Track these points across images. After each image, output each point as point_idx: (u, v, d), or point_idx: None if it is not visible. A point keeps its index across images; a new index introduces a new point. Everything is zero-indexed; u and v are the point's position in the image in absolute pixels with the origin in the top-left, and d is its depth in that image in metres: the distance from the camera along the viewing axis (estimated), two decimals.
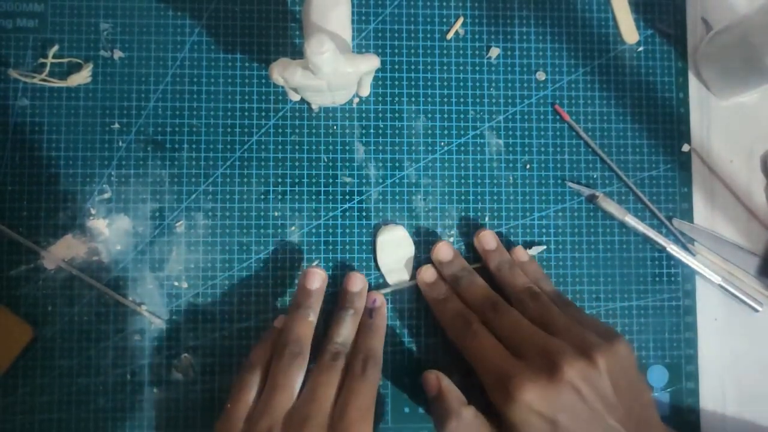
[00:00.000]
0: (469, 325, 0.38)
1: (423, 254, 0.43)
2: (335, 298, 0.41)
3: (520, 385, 0.34)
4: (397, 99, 0.44)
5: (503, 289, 0.41)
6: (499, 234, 0.43)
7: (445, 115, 0.44)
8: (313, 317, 0.39)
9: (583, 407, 0.34)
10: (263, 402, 0.35)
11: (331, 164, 0.43)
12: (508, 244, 0.43)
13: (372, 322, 0.40)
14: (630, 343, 0.36)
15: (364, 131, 0.43)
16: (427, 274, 0.42)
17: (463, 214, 0.43)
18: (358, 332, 0.40)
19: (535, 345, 0.36)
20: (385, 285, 0.42)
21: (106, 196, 0.42)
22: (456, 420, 0.36)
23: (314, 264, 0.42)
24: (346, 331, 0.39)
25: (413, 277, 0.43)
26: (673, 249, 0.43)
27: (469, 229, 0.43)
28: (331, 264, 0.43)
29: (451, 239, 0.43)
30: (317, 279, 0.40)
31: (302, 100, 0.43)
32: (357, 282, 0.41)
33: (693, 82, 0.45)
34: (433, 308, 0.41)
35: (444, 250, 0.42)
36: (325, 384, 0.36)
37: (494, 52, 0.44)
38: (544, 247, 0.43)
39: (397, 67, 0.44)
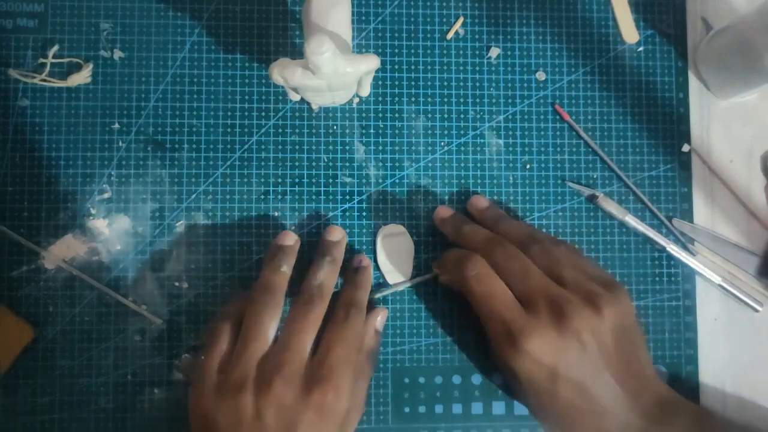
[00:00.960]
0: (477, 267, 0.37)
1: (423, 254, 0.43)
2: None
3: (527, 335, 0.34)
4: (397, 99, 0.44)
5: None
6: None
7: (445, 115, 0.44)
8: (286, 268, 0.38)
9: (584, 359, 0.35)
10: (237, 351, 0.35)
11: (331, 164, 0.43)
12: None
13: (357, 277, 0.40)
14: (626, 291, 0.37)
15: (364, 131, 0.43)
16: (443, 209, 0.42)
17: (463, 213, 0.43)
18: (342, 286, 0.40)
19: (543, 295, 0.36)
20: (386, 285, 0.42)
21: (106, 196, 0.42)
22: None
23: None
24: (322, 275, 0.38)
25: (413, 276, 0.43)
26: (673, 249, 0.43)
27: None
28: None
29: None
30: (290, 237, 0.40)
31: (302, 100, 0.43)
32: (336, 233, 0.41)
33: (693, 82, 0.45)
34: (456, 238, 0.41)
35: (443, 211, 0.42)
36: (299, 330, 0.35)
37: (494, 52, 0.44)
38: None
39: (397, 67, 0.44)
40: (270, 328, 0.35)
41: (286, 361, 0.34)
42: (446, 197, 0.43)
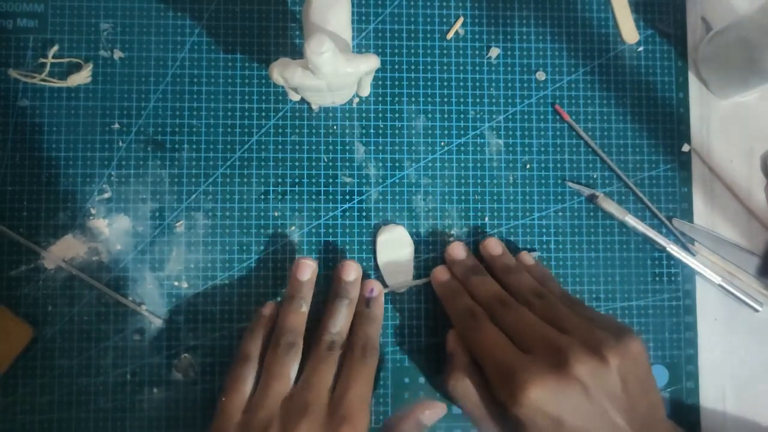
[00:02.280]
0: (476, 318, 0.38)
1: (423, 254, 0.43)
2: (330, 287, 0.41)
3: (526, 380, 0.33)
4: (397, 99, 0.44)
5: (511, 293, 0.40)
6: (500, 234, 0.43)
7: (445, 115, 0.44)
8: (305, 307, 0.39)
9: (590, 406, 0.33)
10: (260, 392, 0.36)
11: (331, 164, 0.43)
12: (509, 246, 0.43)
13: (369, 312, 0.40)
14: (640, 338, 0.36)
15: (364, 131, 0.43)
16: (441, 273, 0.42)
17: (463, 214, 0.43)
18: (354, 321, 0.40)
19: (542, 340, 0.35)
20: (385, 285, 0.42)
21: (106, 196, 0.42)
22: (457, 380, 0.37)
23: (304, 255, 0.42)
24: (341, 321, 0.39)
25: (414, 277, 0.43)
26: (673, 249, 0.43)
27: (469, 229, 0.43)
28: (331, 264, 0.42)
29: (451, 239, 0.43)
30: (308, 270, 0.40)
31: (302, 100, 0.43)
32: (351, 271, 0.41)
33: (693, 82, 0.45)
34: (445, 304, 0.41)
35: (457, 250, 0.42)
36: (322, 372, 0.36)
37: (494, 52, 0.44)
38: (538, 252, 0.43)
39: (397, 67, 0.44)
40: (292, 370, 0.37)
41: (310, 402, 0.35)
42: (447, 198, 0.43)
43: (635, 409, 0.34)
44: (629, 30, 0.45)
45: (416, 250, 0.43)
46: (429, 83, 0.44)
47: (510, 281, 0.40)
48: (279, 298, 0.42)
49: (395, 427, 0.38)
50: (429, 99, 0.44)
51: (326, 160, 0.43)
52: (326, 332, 0.38)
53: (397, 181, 0.43)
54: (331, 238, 0.42)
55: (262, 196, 0.43)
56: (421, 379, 0.42)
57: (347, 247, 0.43)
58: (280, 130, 0.43)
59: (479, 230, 0.43)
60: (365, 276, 0.42)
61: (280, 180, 0.43)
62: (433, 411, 0.38)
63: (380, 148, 0.43)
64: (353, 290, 0.40)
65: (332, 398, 0.36)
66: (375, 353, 0.38)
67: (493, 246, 0.42)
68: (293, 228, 0.43)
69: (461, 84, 0.44)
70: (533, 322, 0.36)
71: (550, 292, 0.39)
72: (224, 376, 0.38)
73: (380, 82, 0.44)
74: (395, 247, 0.42)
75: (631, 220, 0.43)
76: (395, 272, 0.42)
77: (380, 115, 0.43)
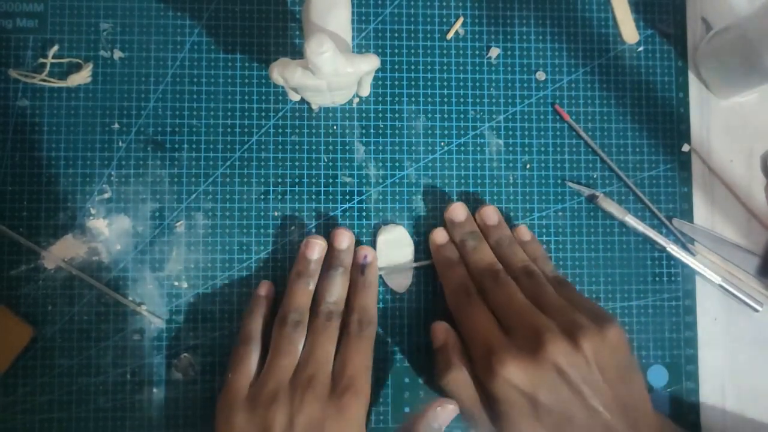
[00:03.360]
0: (469, 296, 0.39)
1: (423, 254, 0.43)
2: None
3: (502, 360, 0.35)
4: (397, 99, 0.44)
5: (502, 264, 0.40)
6: None
7: (445, 115, 0.44)
8: (312, 285, 0.40)
9: (565, 388, 0.34)
10: (268, 367, 0.37)
11: (331, 164, 0.43)
12: (511, 224, 0.43)
13: (364, 279, 0.41)
14: (623, 328, 0.36)
15: (364, 131, 0.43)
16: (439, 236, 0.42)
17: None
18: (350, 290, 0.40)
19: (523, 321, 0.36)
20: (385, 285, 0.42)
21: (106, 196, 0.42)
22: (453, 372, 0.37)
23: (314, 233, 0.42)
24: (337, 290, 0.40)
25: (414, 277, 0.43)
26: (673, 249, 0.43)
27: None
28: None
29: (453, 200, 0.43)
30: (317, 249, 0.40)
31: (302, 100, 0.43)
32: (344, 239, 0.41)
33: (693, 82, 0.45)
34: (439, 272, 0.41)
35: (458, 211, 0.42)
36: (323, 344, 0.38)
37: (494, 52, 0.44)
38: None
39: (397, 67, 0.44)
40: (300, 347, 0.38)
41: (314, 375, 0.36)
42: (447, 198, 0.43)
43: (616, 397, 0.35)
44: (629, 30, 0.45)
45: (416, 250, 0.43)
46: (429, 83, 0.44)
47: (502, 254, 0.41)
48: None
49: (411, 429, 0.38)
50: (429, 99, 0.44)
51: (326, 160, 0.43)
52: (323, 302, 0.39)
53: (397, 181, 0.43)
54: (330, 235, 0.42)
55: (262, 196, 0.43)
56: (421, 379, 0.42)
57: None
58: (280, 130, 0.43)
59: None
60: (355, 237, 0.42)
61: (280, 180, 0.43)
62: (445, 408, 0.38)
63: (380, 148, 0.43)
64: (347, 258, 0.41)
65: (334, 370, 0.37)
66: (372, 324, 0.39)
67: (490, 215, 0.42)
68: (293, 228, 0.43)
69: (461, 84, 0.44)
70: (519, 303, 0.37)
71: (541, 271, 0.40)
72: (228, 357, 0.39)
73: (380, 82, 0.44)
74: (395, 247, 0.42)
75: (631, 220, 0.43)
76: (395, 272, 0.42)
77: (380, 115, 0.43)
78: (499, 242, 0.41)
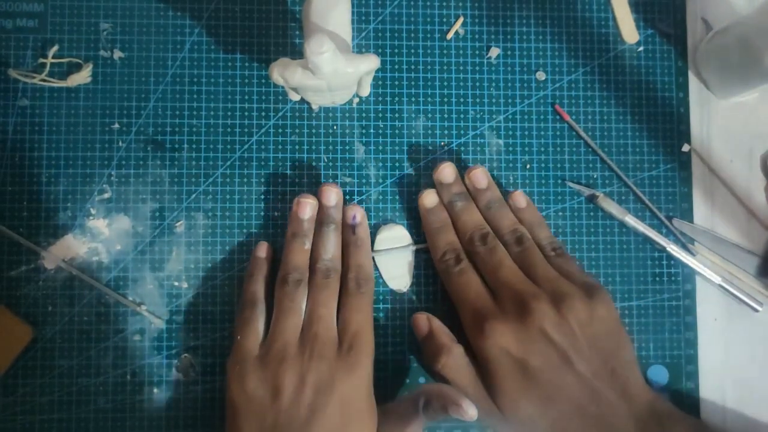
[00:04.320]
0: (458, 261, 0.39)
1: (423, 254, 0.43)
2: None
3: (493, 325, 0.36)
4: (397, 99, 0.44)
5: (492, 228, 0.41)
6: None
7: (445, 115, 0.44)
8: (308, 244, 0.40)
9: (553, 353, 0.36)
10: (274, 327, 0.38)
11: (331, 164, 0.43)
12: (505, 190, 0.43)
13: (356, 238, 0.41)
14: (611, 299, 0.38)
15: (364, 131, 0.43)
16: (428, 198, 0.42)
17: None
18: (344, 250, 0.41)
19: (511, 288, 0.37)
20: (385, 285, 0.42)
21: (106, 196, 0.42)
22: (447, 355, 0.37)
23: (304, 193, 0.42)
24: (331, 247, 0.40)
25: (414, 277, 0.43)
26: (673, 249, 0.43)
27: None
28: None
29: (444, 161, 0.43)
30: (309, 208, 0.41)
31: (302, 100, 0.43)
32: (332, 195, 0.41)
33: (693, 82, 0.45)
34: (428, 235, 0.42)
35: (447, 171, 0.42)
36: (324, 302, 0.38)
37: (494, 52, 0.44)
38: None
39: (397, 67, 0.44)
40: (303, 305, 0.38)
41: (319, 333, 0.37)
42: None
43: (604, 364, 0.36)
44: (629, 30, 0.45)
45: (416, 250, 0.43)
46: (429, 83, 0.44)
47: (492, 217, 0.41)
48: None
49: (430, 395, 0.36)
50: (429, 99, 0.44)
51: (326, 160, 0.43)
52: (320, 260, 0.39)
53: (397, 181, 0.43)
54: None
55: (262, 196, 0.43)
56: (421, 379, 0.42)
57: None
58: (280, 130, 0.43)
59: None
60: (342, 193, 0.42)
61: (280, 180, 0.43)
62: (468, 407, 0.34)
63: (380, 148, 0.43)
64: (337, 214, 0.41)
65: (338, 328, 0.38)
66: (369, 281, 0.40)
67: (479, 178, 0.42)
68: None
69: (461, 84, 0.44)
70: (508, 270, 0.38)
71: (536, 237, 0.40)
72: (235, 319, 0.40)
73: (380, 82, 0.44)
74: (396, 245, 0.42)
75: (631, 220, 0.43)
76: (395, 273, 0.42)
77: (380, 115, 0.43)
78: (489, 205, 0.41)
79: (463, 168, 0.43)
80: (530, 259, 0.39)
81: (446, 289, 0.41)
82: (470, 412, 0.34)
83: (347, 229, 0.41)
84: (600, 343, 0.36)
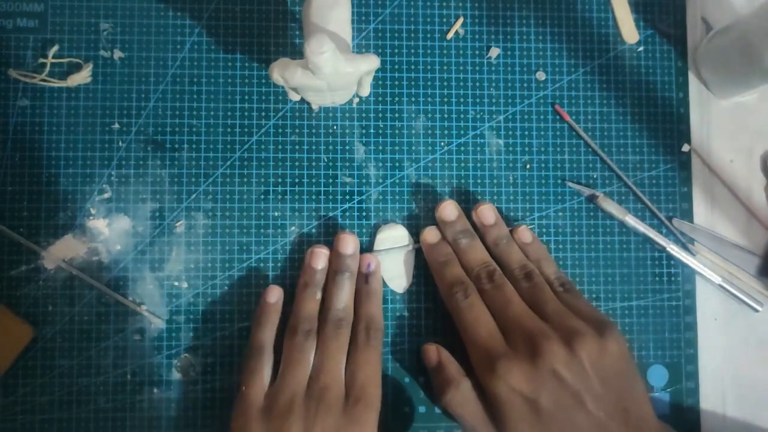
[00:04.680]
0: (466, 295, 0.39)
1: (423, 254, 0.43)
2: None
3: (504, 365, 0.35)
4: (397, 99, 0.44)
5: (500, 265, 0.40)
6: None
7: (445, 115, 0.44)
8: (319, 295, 0.40)
9: (566, 394, 0.35)
10: (282, 378, 0.37)
11: (331, 164, 0.43)
12: (511, 224, 0.43)
13: (368, 287, 0.41)
14: (622, 335, 0.37)
15: (364, 131, 0.43)
16: (430, 234, 0.42)
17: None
18: (356, 297, 0.40)
19: (520, 326, 0.37)
20: (385, 284, 0.42)
21: (106, 196, 0.42)
22: (455, 389, 0.37)
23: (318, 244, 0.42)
24: (345, 296, 0.40)
25: (414, 277, 0.43)
26: (673, 249, 0.43)
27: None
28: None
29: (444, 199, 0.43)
30: (322, 258, 0.41)
31: (302, 100, 0.43)
32: (349, 244, 0.41)
33: (693, 82, 0.45)
34: (433, 271, 0.41)
35: (449, 209, 0.42)
36: (334, 354, 0.38)
37: (494, 52, 0.44)
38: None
39: (397, 67, 0.44)
40: (311, 356, 0.38)
41: (327, 385, 0.37)
42: (447, 198, 0.43)
43: (617, 403, 0.35)
44: (629, 30, 0.45)
45: (416, 251, 0.43)
46: (429, 83, 0.44)
47: (500, 254, 0.41)
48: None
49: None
50: (429, 99, 0.44)
51: (326, 160, 0.43)
52: (333, 309, 0.39)
53: (397, 181, 0.43)
54: (331, 238, 0.42)
55: (262, 196, 0.43)
56: (421, 379, 0.42)
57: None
58: (280, 130, 0.43)
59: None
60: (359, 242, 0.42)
61: (280, 180, 0.43)
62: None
63: (380, 148, 0.43)
64: (353, 263, 0.41)
65: (345, 380, 0.37)
66: (379, 332, 0.39)
67: (487, 214, 0.42)
68: (293, 228, 0.43)
69: (461, 84, 0.44)
70: (516, 307, 0.38)
71: (543, 272, 0.40)
72: (227, 377, 0.40)
73: (380, 82, 0.44)
74: (397, 245, 0.42)
75: (631, 220, 0.43)
76: (395, 273, 0.42)
77: (380, 115, 0.43)
78: (497, 242, 0.41)
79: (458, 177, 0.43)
80: (539, 296, 0.38)
81: (455, 325, 0.39)
82: None
83: (360, 278, 0.41)
84: (612, 381, 0.35)
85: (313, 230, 0.43)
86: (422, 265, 0.43)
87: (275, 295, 0.40)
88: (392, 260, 0.42)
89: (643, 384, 0.37)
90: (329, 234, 0.43)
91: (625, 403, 0.35)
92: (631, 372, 0.37)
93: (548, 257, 0.42)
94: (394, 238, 0.42)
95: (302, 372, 0.37)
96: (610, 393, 0.35)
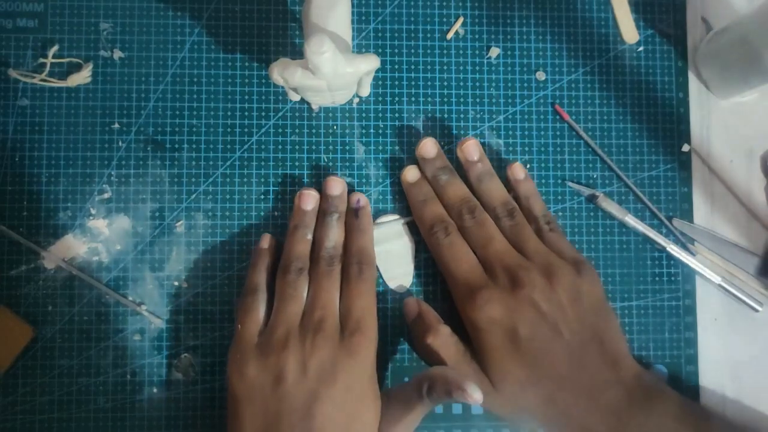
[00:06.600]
0: (446, 233, 0.40)
1: (423, 253, 0.43)
2: None
3: (483, 295, 0.37)
4: (397, 99, 0.44)
5: (482, 202, 0.41)
6: None
7: (445, 115, 0.44)
8: (310, 235, 0.40)
9: (543, 323, 0.37)
10: (276, 314, 0.38)
11: (331, 164, 0.43)
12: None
13: (359, 222, 0.41)
14: (599, 278, 0.39)
15: (364, 131, 0.43)
16: (410, 173, 0.42)
17: None
18: (346, 235, 0.41)
19: (502, 261, 0.38)
20: (385, 285, 0.42)
21: (106, 196, 0.42)
22: (434, 334, 0.38)
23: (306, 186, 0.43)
24: (335, 235, 0.40)
25: (415, 276, 0.43)
26: (673, 249, 0.43)
27: None
28: None
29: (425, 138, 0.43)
30: (311, 200, 0.41)
31: (302, 100, 0.43)
32: (337, 185, 0.41)
33: (693, 82, 0.45)
34: (413, 210, 0.42)
35: (428, 146, 0.42)
36: (327, 288, 0.38)
37: (494, 52, 0.44)
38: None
39: (397, 67, 0.44)
40: (305, 293, 0.38)
41: (322, 318, 0.37)
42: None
43: (594, 334, 0.37)
44: (629, 30, 0.45)
45: (416, 249, 0.43)
46: (429, 83, 0.44)
47: (483, 191, 0.41)
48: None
49: (434, 379, 0.35)
50: (429, 99, 0.44)
51: (326, 160, 0.43)
52: (323, 248, 0.40)
53: (397, 181, 0.43)
54: None
55: (262, 196, 0.43)
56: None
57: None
58: (280, 130, 0.43)
59: None
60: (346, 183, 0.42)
61: (280, 180, 0.43)
62: (472, 391, 0.33)
63: (380, 148, 0.43)
64: (341, 204, 0.41)
65: (340, 314, 0.38)
66: (370, 266, 0.40)
67: (471, 150, 0.42)
68: None
69: (461, 84, 0.44)
70: (498, 245, 0.39)
71: (531, 209, 0.41)
72: (236, 308, 0.40)
73: (380, 82, 0.44)
74: (395, 246, 0.42)
75: (631, 220, 0.43)
76: (395, 273, 0.42)
77: (380, 115, 0.43)
78: (480, 177, 0.41)
79: (443, 141, 0.43)
80: (521, 234, 0.39)
81: (436, 262, 0.41)
82: (475, 395, 0.33)
83: (350, 214, 0.41)
84: (588, 316, 0.37)
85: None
86: (422, 265, 0.43)
87: (267, 240, 0.41)
88: (392, 260, 0.42)
89: (618, 324, 0.39)
90: (321, 182, 0.42)
91: (601, 336, 0.37)
92: (607, 311, 0.39)
93: (537, 194, 0.42)
94: (393, 236, 0.42)
95: (296, 307, 0.38)
96: (585, 326, 0.37)
